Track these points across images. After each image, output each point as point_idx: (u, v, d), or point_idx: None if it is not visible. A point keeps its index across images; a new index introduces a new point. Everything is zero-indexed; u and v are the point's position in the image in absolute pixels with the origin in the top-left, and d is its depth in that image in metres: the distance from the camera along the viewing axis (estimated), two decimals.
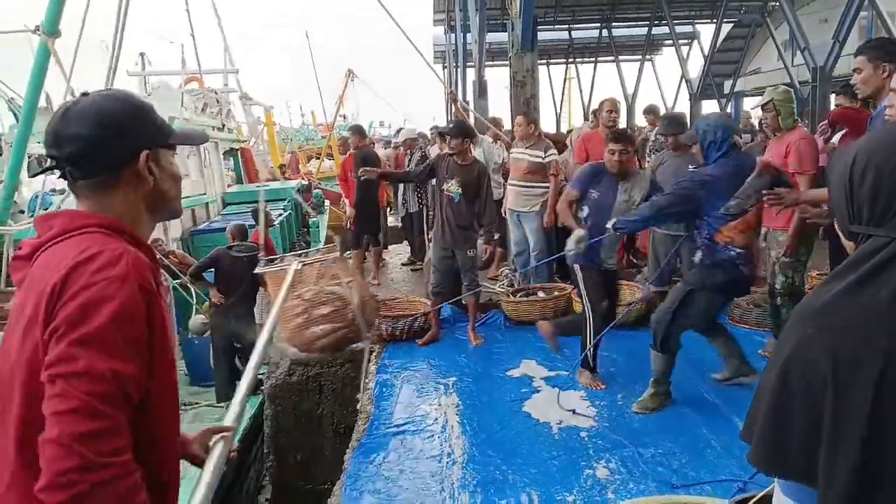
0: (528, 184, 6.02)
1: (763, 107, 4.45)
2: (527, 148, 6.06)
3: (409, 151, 8.52)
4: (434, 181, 5.40)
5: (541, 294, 5.90)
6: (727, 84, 23.71)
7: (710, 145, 3.70)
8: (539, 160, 5.90)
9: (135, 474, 1.08)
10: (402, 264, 8.52)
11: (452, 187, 5.11)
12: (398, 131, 11.10)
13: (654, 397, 3.90)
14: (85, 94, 1.31)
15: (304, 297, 3.82)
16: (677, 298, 3.76)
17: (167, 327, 1.24)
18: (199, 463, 1.45)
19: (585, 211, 4.20)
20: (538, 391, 4.27)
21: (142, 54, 20.09)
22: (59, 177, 1.28)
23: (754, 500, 2.03)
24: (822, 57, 12.39)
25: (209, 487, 1.32)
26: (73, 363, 1.05)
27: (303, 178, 16.48)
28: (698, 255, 3.75)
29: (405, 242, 9.26)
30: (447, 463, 3.42)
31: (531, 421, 3.85)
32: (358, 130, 7.53)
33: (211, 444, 1.45)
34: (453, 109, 7.82)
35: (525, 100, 6.46)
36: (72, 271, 1.12)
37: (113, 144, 1.25)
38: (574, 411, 3.90)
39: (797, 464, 1.14)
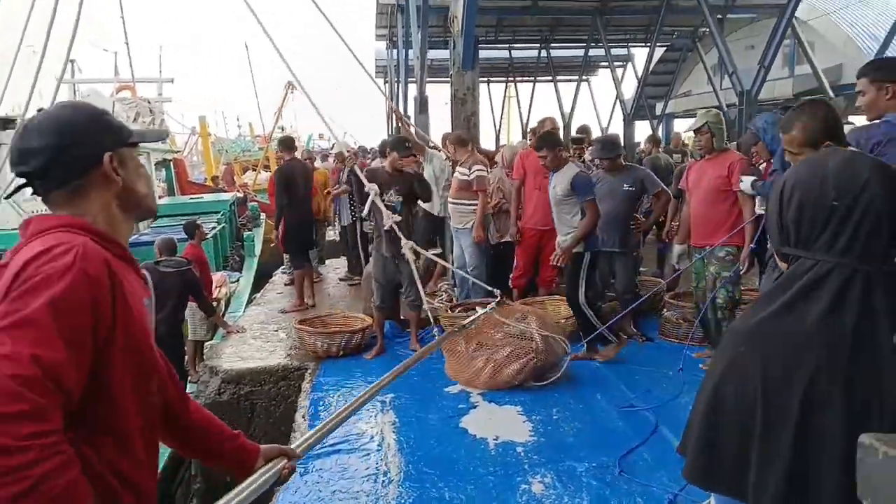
0: (459, 201, 6.12)
1: (698, 130, 4.61)
2: (459, 166, 6.18)
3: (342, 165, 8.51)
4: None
5: (479, 310, 5.90)
6: (659, 106, 24.51)
7: (773, 139, 4.11)
8: (465, 177, 5.97)
9: (58, 457, 1.04)
10: (340, 279, 8.42)
11: (392, 198, 5.11)
12: (333, 145, 10.94)
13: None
14: (40, 110, 1.36)
15: (483, 346, 4.50)
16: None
17: (133, 319, 1.24)
18: None
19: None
20: (475, 407, 4.26)
21: (72, 61, 19.35)
22: (32, 193, 1.32)
23: None
24: (748, 81, 12.97)
25: (243, 494, 1.39)
26: (1, 347, 1.06)
27: (238, 191, 16.12)
28: None
29: (343, 257, 9.16)
30: (383, 482, 3.36)
31: (468, 437, 3.84)
32: (285, 144, 7.27)
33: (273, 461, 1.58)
34: (395, 123, 7.82)
35: (465, 117, 6.51)
36: (25, 265, 1.15)
37: (75, 151, 1.29)
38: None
39: (729, 479, 1.16)
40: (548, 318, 4.73)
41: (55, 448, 1.04)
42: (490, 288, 4.76)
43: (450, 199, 6.22)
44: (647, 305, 5.48)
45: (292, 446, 1.68)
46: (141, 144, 1.54)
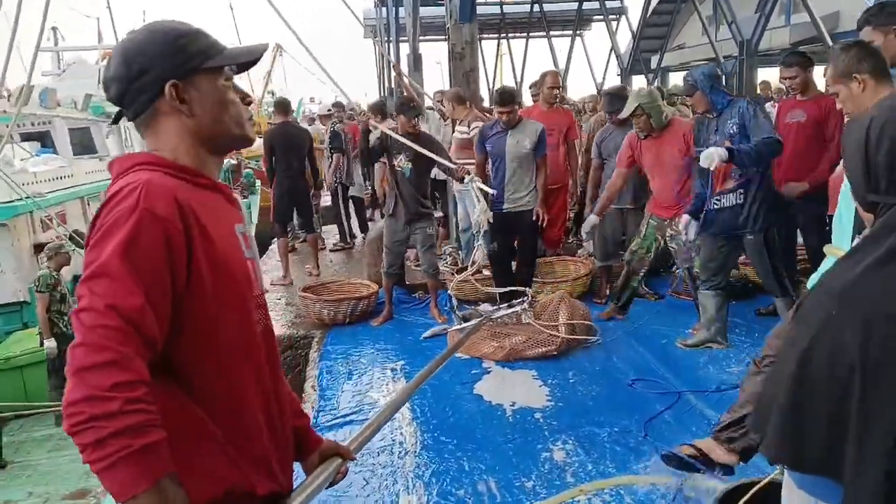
0: (461, 161, 5.91)
1: (633, 115, 4.40)
2: (458, 124, 6.00)
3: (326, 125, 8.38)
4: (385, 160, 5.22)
5: (486, 272, 5.78)
6: (654, 59, 24.08)
7: (714, 89, 3.94)
8: (465, 135, 5.79)
9: (142, 415, 1.01)
10: (333, 245, 8.22)
11: (402, 162, 4.95)
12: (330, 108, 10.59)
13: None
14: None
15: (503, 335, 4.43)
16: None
17: (215, 248, 1.18)
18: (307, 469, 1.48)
19: (489, 164, 4.87)
20: (488, 372, 4.17)
21: (54, 28, 18.85)
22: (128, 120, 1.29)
23: (757, 487, 1.93)
24: (747, 31, 12.66)
25: (305, 493, 1.33)
26: (82, 300, 1.06)
27: (231, 158, 15.83)
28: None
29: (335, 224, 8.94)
30: (399, 453, 3.27)
31: (483, 404, 3.75)
32: (281, 105, 6.93)
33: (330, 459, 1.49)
34: (389, 83, 7.58)
35: (464, 73, 6.27)
36: (99, 212, 1.14)
37: (137, 81, 1.23)
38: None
39: (819, 457, 1.04)
40: (577, 307, 4.57)
41: (140, 403, 1.01)
42: (521, 288, 4.65)
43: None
44: (657, 263, 5.36)
45: (346, 444, 1.59)
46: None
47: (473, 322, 4.00)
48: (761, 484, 1.84)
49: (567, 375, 4.02)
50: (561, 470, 3.02)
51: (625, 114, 4.52)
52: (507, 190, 4.82)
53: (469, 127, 5.80)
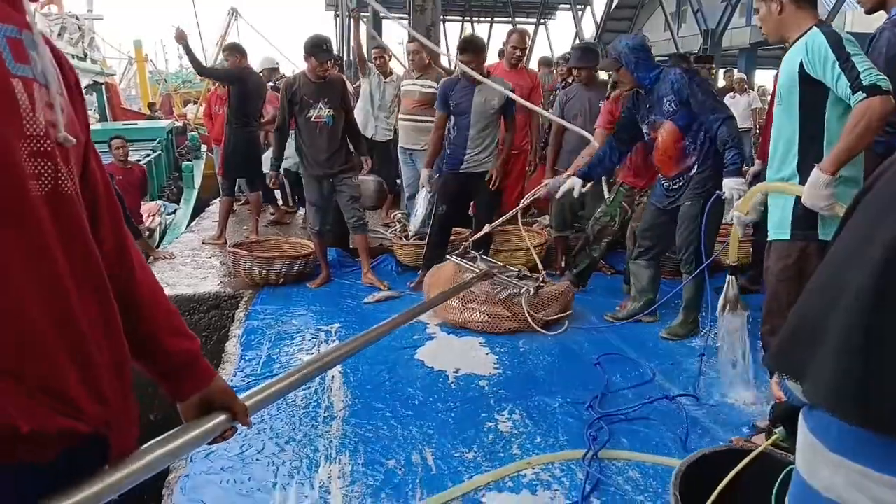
0: (421, 117, 5.54)
1: (616, 69, 3.97)
2: (417, 79, 5.59)
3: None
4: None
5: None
6: None
7: (639, 64, 3.53)
8: (432, 90, 5.37)
9: None
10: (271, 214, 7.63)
11: (323, 111, 4.48)
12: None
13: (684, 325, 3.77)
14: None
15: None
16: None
17: None
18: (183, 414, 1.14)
19: (452, 120, 4.46)
20: (432, 338, 3.80)
21: None
22: None
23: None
24: (713, 20, 12.56)
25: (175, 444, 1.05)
26: None
27: (176, 120, 15.06)
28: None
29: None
30: (324, 418, 2.87)
31: (424, 369, 3.38)
32: (236, 48, 6.13)
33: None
34: (353, 31, 7.02)
35: (426, 27, 5.86)
36: None
37: None
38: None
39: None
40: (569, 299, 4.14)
41: None
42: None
43: (406, 116, 5.63)
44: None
45: (241, 398, 1.21)
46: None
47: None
48: (753, 454, 1.49)
49: (517, 344, 3.68)
50: (507, 441, 2.68)
51: (605, 68, 4.19)
52: (468, 149, 4.44)
53: (437, 82, 5.35)
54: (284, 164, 6.85)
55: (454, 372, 3.33)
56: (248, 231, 6.28)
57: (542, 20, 26.47)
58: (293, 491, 2.36)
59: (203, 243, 5.96)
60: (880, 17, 2.85)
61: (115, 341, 0.96)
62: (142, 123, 13.14)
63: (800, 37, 2.40)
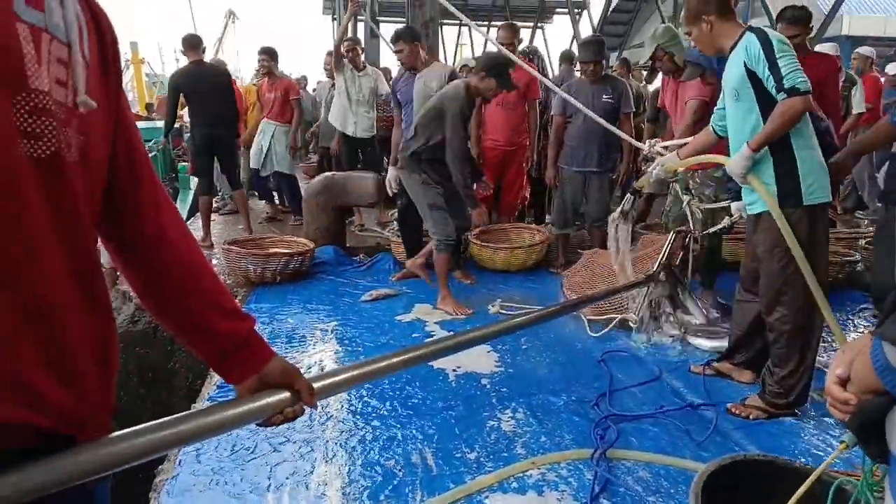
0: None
1: (653, 57, 4.05)
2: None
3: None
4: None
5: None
6: (613, 57, 23.95)
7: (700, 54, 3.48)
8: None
9: None
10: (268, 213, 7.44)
11: None
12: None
13: None
14: None
15: None
16: None
17: None
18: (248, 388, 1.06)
19: (404, 112, 4.67)
20: (431, 335, 3.69)
21: None
22: None
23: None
24: None
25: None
26: None
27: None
28: None
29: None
30: (320, 418, 2.76)
31: (423, 368, 3.25)
32: (189, 42, 5.68)
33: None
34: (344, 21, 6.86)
35: (423, 22, 5.75)
36: None
37: None
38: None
39: None
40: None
41: None
42: None
43: None
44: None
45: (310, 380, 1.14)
46: None
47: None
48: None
49: (519, 341, 3.58)
50: (510, 441, 2.57)
51: (646, 58, 4.16)
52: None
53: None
54: (276, 168, 6.69)
55: (454, 370, 3.22)
56: (242, 229, 6.16)
57: (539, 24, 26.37)
58: (287, 493, 2.25)
59: None
60: (877, 20, 3.01)
61: (100, 321, 0.87)
62: (140, 124, 13.02)
63: (736, 42, 2.64)
